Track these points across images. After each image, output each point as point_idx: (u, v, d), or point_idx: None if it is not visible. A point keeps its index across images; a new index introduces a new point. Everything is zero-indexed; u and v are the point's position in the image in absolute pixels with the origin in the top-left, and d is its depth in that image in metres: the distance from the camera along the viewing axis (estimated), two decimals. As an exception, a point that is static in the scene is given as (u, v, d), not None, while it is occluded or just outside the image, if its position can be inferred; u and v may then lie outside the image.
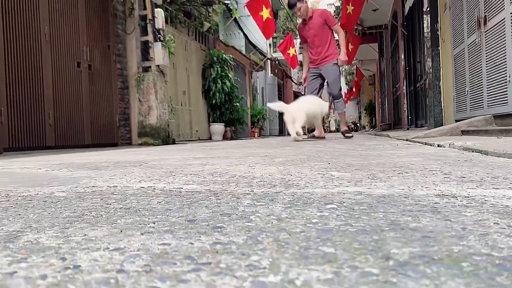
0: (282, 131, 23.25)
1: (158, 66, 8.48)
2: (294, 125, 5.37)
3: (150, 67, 8.48)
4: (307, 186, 1.19)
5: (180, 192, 1.10)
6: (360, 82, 23.71)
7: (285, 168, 1.68)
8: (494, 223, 0.65)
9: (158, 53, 8.44)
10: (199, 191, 1.10)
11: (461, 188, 1.08)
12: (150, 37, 8.46)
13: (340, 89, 6.72)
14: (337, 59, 6.59)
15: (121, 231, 0.66)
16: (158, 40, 8.44)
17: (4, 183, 1.45)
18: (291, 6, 6.39)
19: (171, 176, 1.50)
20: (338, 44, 6.84)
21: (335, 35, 6.78)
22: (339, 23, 6.77)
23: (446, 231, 0.61)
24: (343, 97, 6.68)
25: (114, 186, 1.28)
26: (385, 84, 15.61)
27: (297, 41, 23.83)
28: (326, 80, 6.71)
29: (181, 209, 0.84)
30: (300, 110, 5.44)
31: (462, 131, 5.28)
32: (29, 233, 0.66)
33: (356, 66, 20.64)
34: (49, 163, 2.51)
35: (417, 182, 1.21)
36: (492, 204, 0.83)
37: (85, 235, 0.64)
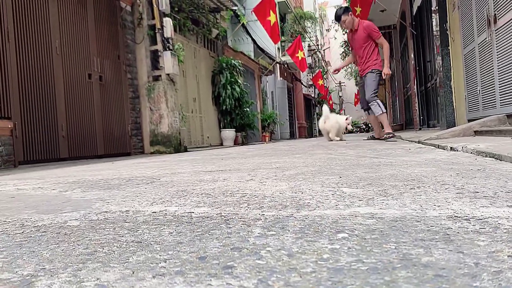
0: (293, 134, 23.22)
1: (168, 74, 8.54)
2: (329, 135, 7.63)
3: (160, 76, 8.55)
4: (319, 207, 1.19)
5: (191, 218, 1.10)
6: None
7: (296, 185, 1.67)
8: (508, 256, 0.64)
9: (167, 61, 8.51)
10: (210, 216, 1.11)
11: (474, 206, 1.07)
12: (159, 46, 8.53)
13: (373, 93, 6.76)
14: (376, 69, 6.76)
15: (133, 273, 0.66)
16: (167, 49, 8.51)
17: (19, 208, 1.47)
18: (337, 18, 6.88)
19: (182, 197, 1.51)
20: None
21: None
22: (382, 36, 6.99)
23: (458, 268, 0.60)
24: (377, 100, 6.76)
25: (126, 211, 1.29)
26: (395, 84, 15.50)
27: (306, 44, 23.85)
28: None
29: (192, 241, 0.84)
30: (333, 125, 7.53)
31: (475, 132, 5.22)
32: (42, 278, 0.67)
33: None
34: (62, 180, 2.54)
35: (429, 199, 1.20)
36: (506, 229, 0.82)
37: (97, 279, 0.64)
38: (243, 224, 0.99)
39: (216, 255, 0.73)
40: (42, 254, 0.82)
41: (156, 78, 8.57)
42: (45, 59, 6.24)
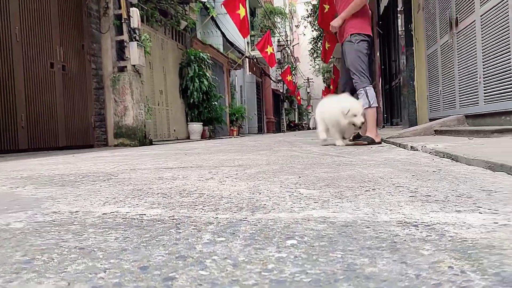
0: (262, 128, 23.28)
1: (134, 65, 8.37)
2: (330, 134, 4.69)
3: (125, 67, 8.36)
4: (274, 209, 1.18)
5: (142, 221, 1.07)
6: (337, 80, 23.92)
7: (255, 185, 1.66)
8: (448, 267, 0.65)
9: (133, 52, 8.33)
10: (162, 220, 1.08)
11: (424, 211, 1.08)
12: (125, 37, 8.34)
13: (359, 74, 4.62)
14: (357, 33, 4.69)
15: (68, 285, 0.63)
16: (134, 39, 8.33)
17: (-38, 207, 1.39)
18: None
19: (137, 197, 1.47)
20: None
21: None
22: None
23: (399, 280, 0.60)
24: (366, 87, 4.59)
25: (76, 211, 1.24)
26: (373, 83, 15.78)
27: (275, 39, 23.88)
28: None
29: (138, 249, 0.81)
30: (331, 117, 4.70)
31: (435, 131, 5.36)
32: (-31, 291, 0.63)
33: (333, 64, 20.79)
34: (15, 175, 2.44)
35: (383, 203, 1.21)
36: (451, 236, 0.83)
37: (28, 292, 0.61)
38: (194, 228, 0.97)
39: (159, 265, 0.71)
40: (-25, 262, 0.77)
41: (122, 69, 8.37)
42: (3, 46, 5.98)
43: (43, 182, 2.03)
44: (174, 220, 1.06)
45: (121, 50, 8.38)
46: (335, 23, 4.81)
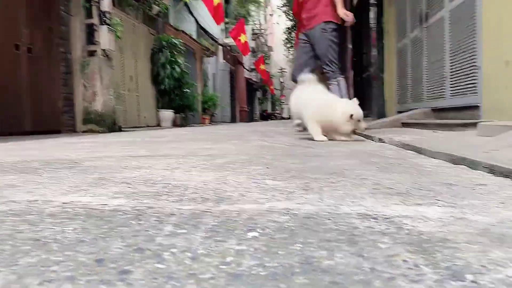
0: (234, 117, 23.22)
1: (103, 50, 8.15)
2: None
3: (95, 51, 8.14)
4: (239, 200, 1.18)
5: (103, 211, 1.05)
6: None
7: (222, 175, 1.66)
8: (403, 261, 0.67)
9: (104, 36, 8.11)
10: (124, 210, 1.06)
11: (386, 204, 1.11)
12: (95, 20, 8.10)
13: (330, 63, 4.66)
14: (331, 21, 4.68)
15: (18, 278, 0.61)
16: (104, 23, 8.11)
17: None
18: None
19: (100, 186, 1.44)
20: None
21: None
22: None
23: (355, 274, 0.61)
24: (339, 77, 4.69)
25: (35, 200, 1.21)
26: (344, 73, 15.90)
27: (249, 28, 23.73)
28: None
29: (95, 240, 0.80)
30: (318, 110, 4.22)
31: (403, 123, 5.48)
32: None
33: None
34: (-26, 161, 2.35)
35: (346, 194, 1.23)
36: (408, 230, 0.85)
37: (-25, 286, 0.59)
38: (155, 220, 0.95)
39: (116, 258, 0.70)
40: None
41: (91, 54, 8.15)
42: (-37, 25, 5.71)
43: (3, 169, 1.96)
44: (136, 211, 1.05)
45: (91, 34, 8.15)
46: (342, 11, 4.60)
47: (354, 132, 3.66)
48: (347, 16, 4.67)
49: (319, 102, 3.74)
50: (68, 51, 8.10)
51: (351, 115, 3.48)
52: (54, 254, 0.72)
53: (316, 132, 3.69)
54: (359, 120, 3.54)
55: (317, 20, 4.68)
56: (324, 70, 4.68)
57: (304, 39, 4.95)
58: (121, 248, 0.75)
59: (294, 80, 4.81)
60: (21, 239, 0.82)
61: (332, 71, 4.66)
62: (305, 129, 4.13)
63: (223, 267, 0.65)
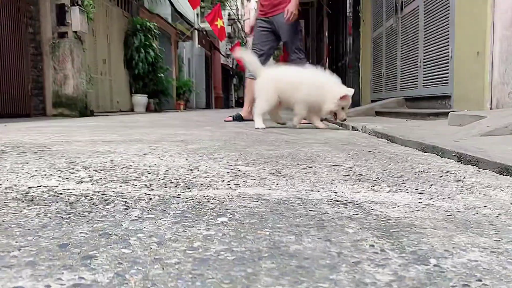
0: (209, 104, 23.05)
1: (75, 32, 7.91)
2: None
3: (66, 33, 7.89)
4: (211, 186, 1.17)
5: (69, 196, 1.02)
6: (287, 58, 23.95)
7: (195, 161, 1.64)
8: (369, 246, 0.67)
9: (75, 18, 7.86)
10: (91, 195, 1.03)
11: (355, 190, 1.12)
12: (66, 0, 7.83)
13: (301, 51, 4.81)
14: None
15: (-25, 264, 0.59)
16: (76, 4, 7.86)
17: None
18: None
19: (68, 170, 1.40)
20: None
21: None
22: None
23: (321, 258, 0.62)
24: (306, 61, 4.84)
25: (-2, 184, 1.16)
26: (309, 61, 15.95)
27: (226, 13, 23.46)
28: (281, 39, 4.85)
29: (60, 225, 0.77)
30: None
31: (376, 112, 5.55)
32: None
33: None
34: None
35: (317, 181, 1.24)
36: (377, 215, 0.86)
37: None
38: (123, 205, 0.93)
39: (80, 242, 0.68)
40: None
41: (62, 35, 7.89)
42: None
43: (-34, 153, 1.89)
44: (104, 196, 1.02)
45: (61, 15, 7.88)
46: (294, 7, 4.56)
47: (329, 120, 3.63)
48: (290, 13, 4.58)
49: (310, 79, 3.53)
50: (37, 32, 7.84)
51: (344, 96, 3.37)
52: (16, 239, 0.69)
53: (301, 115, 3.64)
54: (343, 108, 3.46)
55: (283, 8, 4.65)
56: (292, 57, 4.74)
57: (264, 26, 4.88)
58: (86, 233, 0.73)
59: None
60: (-19, 224, 0.79)
61: (300, 58, 4.72)
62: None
63: (190, 252, 0.64)
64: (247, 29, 5.08)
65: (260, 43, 4.87)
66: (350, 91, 3.46)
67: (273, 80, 3.60)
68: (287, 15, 4.53)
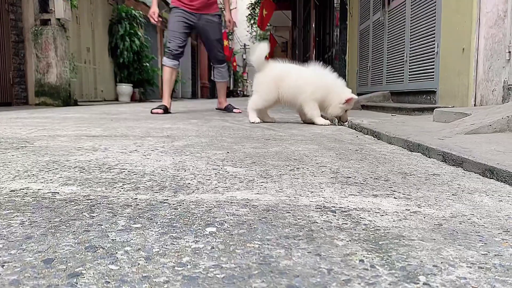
0: (195, 93, 22.89)
1: (58, 19, 7.75)
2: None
3: (49, 20, 7.72)
4: (198, 189, 1.16)
5: (54, 201, 1.00)
6: (273, 49, 23.82)
7: (181, 160, 1.62)
8: (359, 261, 0.67)
9: (58, 5, 7.69)
10: (76, 200, 1.02)
11: (344, 194, 1.12)
12: (48, -14, 7.65)
13: (222, 49, 5.29)
14: (218, 13, 5.13)
15: (-44, 283, 0.57)
16: (59, -10, 7.67)
17: None
18: None
19: (52, 170, 1.38)
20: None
21: None
22: None
23: (312, 276, 0.61)
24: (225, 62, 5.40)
25: (-21, 187, 1.14)
26: (296, 52, 15.90)
27: (212, 1, 23.17)
28: (204, 38, 5.14)
29: (44, 236, 0.76)
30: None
31: (362, 105, 5.58)
32: None
33: (270, 32, 20.72)
34: None
35: (305, 184, 1.24)
36: (365, 225, 0.86)
37: None
38: (109, 212, 0.92)
39: (66, 257, 0.66)
40: None
41: (45, 22, 7.72)
42: None
43: None
44: (89, 201, 1.01)
45: (44, 2, 7.70)
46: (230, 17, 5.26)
47: (339, 119, 3.56)
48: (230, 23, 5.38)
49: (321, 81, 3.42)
50: (19, 19, 7.65)
51: (349, 99, 3.31)
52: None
53: (317, 115, 3.44)
54: (346, 110, 3.40)
55: (214, 9, 5.03)
56: (217, 55, 5.17)
57: (187, 19, 4.95)
58: (72, 246, 0.71)
59: (175, 56, 4.91)
60: (-38, 234, 0.76)
61: (223, 57, 5.24)
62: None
63: (179, 268, 0.63)
64: (155, 17, 5.12)
65: (183, 34, 4.95)
66: (355, 96, 3.40)
67: (276, 77, 3.44)
68: (230, 25, 5.28)
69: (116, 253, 0.68)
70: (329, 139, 2.44)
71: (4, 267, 0.63)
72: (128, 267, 0.63)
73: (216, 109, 5.69)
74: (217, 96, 5.62)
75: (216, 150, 1.89)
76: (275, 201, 1.04)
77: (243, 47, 39.94)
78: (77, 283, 0.57)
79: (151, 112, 4.79)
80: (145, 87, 12.15)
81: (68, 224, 0.83)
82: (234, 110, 5.21)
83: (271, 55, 26.19)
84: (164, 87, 5.06)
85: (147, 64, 11.93)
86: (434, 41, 4.04)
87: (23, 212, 0.91)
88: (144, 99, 12.17)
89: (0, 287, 0.56)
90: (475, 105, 3.45)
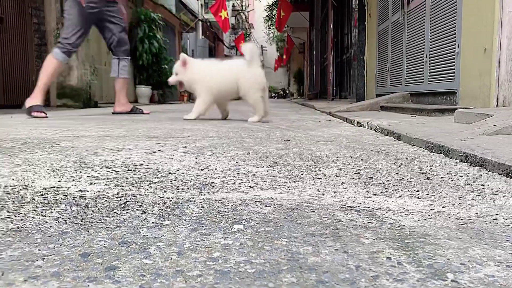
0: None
1: (79, 23, 7.88)
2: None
3: (70, 23, 7.86)
4: (222, 188, 1.18)
5: (84, 199, 1.03)
6: (290, 50, 23.83)
7: (204, 160, 1.65)
8: (386, 258, 0.68)
9: (79, 8, 7.83)
10: (105, 197, 1.05)
11: (367, 194, 1.12)
12: (70, -9, 7.79)
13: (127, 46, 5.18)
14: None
15: (2, 274, 0.60)
16: (80, -6, 7.81)
17: None
18: None
19: (80, 170, 1.41)
20: None
21: None
22: None
23: (340, 272, 0.62)
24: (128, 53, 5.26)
25: (13, 185, 1.18)
26: (314, 53, 15.87)
27: (230, 4, 23.34)
28: (111, 28, 5.01)
29: (79, 232, 0.79)
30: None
31: (381, 107, 5.54)
32: None
33: (287, 34, 20.73)
34: None
35: (328, 184, 1.25)
36: (391, 224, 0.87)
37: (-43, 283, 0.57)
38: (138, 209, 0.94)
39: (102, 251, 0.69)
40: None
41: (66, 26, 7.87)
42: None
43: (-24, 148, 1.90)
44: (118, 199, 1.04)
45: (66, 5, 7.85)
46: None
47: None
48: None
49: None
50: (41, 23, 7.82)
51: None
52: (38, 247, 0.71)
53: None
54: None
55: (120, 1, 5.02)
56: (121, 44, 5.07)
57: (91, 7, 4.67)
58: (106, 241, 0.74)
59: (69, 52, 4.58)
60: (2, 229, 0.80)
61: (127, 48, 5.14)
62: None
63: (211, 263, 0.65)
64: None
65: (85, 27, 4.73)
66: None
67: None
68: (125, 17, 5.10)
69: (149, 248, 0.71)
70: (349, 140, 2.44)
71: (44, 260, 0.65)
72: (162, 262, 0.65)
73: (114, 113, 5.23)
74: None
75: (237, 151, 1.92)
76: (298, 200, 1.06)
77: (260, 48, 39.91)
78: (114, 276, 0.60)
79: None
80: (163, 89, 12.27)
81: (100, 221, 0.86)
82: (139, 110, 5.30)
83: (288, 56, 26.14)
84: (41, 75, 4.55)
85: (166, 67, 12.04)
86: (454, 41, 4.00)
87: (56, 209, 0.94)
88: (163, 101, 12.29)
89: (43, 278, 0.59)
90: (497, 106, 3.40)
